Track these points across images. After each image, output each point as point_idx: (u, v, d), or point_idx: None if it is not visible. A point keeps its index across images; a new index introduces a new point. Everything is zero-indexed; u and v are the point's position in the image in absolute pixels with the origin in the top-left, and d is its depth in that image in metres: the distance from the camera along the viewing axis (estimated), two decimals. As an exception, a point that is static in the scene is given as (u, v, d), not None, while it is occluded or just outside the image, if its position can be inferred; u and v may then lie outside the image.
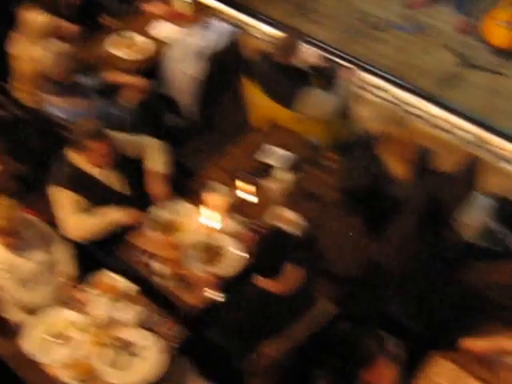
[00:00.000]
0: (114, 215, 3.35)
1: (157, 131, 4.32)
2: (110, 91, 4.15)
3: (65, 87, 3.88)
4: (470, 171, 3.62)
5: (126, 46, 4.46)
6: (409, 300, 3.14)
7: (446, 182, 3.39)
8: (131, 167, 3.55)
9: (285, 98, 3.72)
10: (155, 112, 4.43)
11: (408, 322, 3.04)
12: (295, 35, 3.95)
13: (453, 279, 3.17)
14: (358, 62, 5.03)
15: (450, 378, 2.76)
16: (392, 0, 5.78)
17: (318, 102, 3.76)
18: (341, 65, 4.43)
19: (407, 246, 3.15)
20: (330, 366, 2.59)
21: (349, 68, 4.22)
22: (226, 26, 4.63)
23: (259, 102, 3.91)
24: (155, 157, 3.58)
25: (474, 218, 3.56)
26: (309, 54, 4.15)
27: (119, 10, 4.73)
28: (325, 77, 4.01)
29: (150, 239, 3.35)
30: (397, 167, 3.30)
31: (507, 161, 4.58)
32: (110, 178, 3.44)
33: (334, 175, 3.55)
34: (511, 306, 3.07)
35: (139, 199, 3.50)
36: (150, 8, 4.73)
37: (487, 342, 2.78)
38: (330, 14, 5.68)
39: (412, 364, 2.73)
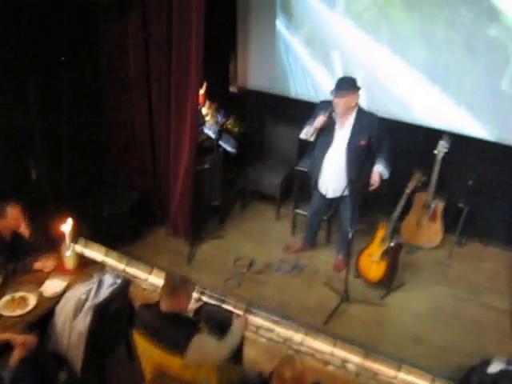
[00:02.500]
0: None
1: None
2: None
3: None
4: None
5: (13, 305, 4.45)
6: None
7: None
8: None
9: (173, 347, 3.73)
10: (44, 369, 4.32)
11: None
12: (183, 280, 4.00)
13: None
14: (243, 306, 5.25)
15: None
16: (271, 245, 6.23)
17: (207, 348, 3.77)
18: (231, 311, 4.60)
19: None
20: None
21: (239, 314, 4.36)
22: (114, 278, 4.74)
23: (148, 352, 3.92)
24: None
25: None
26: (196, 301, 4.30)
27: (8, 269, 4.78)
28: (214, 323, 4.13)
29: None
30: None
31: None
32: None
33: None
34: None
35: None
36: (39, 265, 4.81)
37: None
38: (212, 261, 6.02)
39: None
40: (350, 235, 5.19)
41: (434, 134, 5.85)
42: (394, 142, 6.12)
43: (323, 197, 5.61)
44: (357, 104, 5.10)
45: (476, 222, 6.11)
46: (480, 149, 5.90)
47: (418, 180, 5.37)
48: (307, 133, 5.29)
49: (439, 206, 6.00)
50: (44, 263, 4.79)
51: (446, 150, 5.67)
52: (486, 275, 5.88)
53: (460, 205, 5.93)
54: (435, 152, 5.71)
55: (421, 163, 5.72)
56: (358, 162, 5.18)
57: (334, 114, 5.12)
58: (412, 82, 6.00)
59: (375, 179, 5.24)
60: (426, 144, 5.87)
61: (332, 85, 5.12)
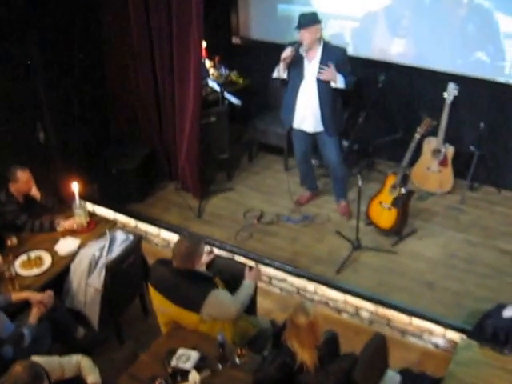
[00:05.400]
0: None
1: (66, 344, 4.31)
2: (15, 309, 4.12)
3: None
4: (377, 349, 3.73)
5: (30, 264, 4.50)
6: None
7: (355, 364, 3.46)
8: None
9: (188, 302, 3.78)
10: (63, 325, 4.39)
11: None
12: (195, 240, 4.06)
13: None
14: (256, 257, 5.29)
15: None
16: (280, 196, 6.20)
17: (222, 303, 3.81)
18: (243, 263, 4.63)
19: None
20: None
21: (251, 266, 4.37)
22: (126, 235, 4.77)
23: (164, 307, 3.95)
24: (92, 371, 3.59)
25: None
26: (208, 256, 4.31)
27: (34, 225, 4.85)
28: (227, 276, 4.16)
29: None
30: (305, 354, 3.37)
31: (408, 334, 4.77)
32: None
33: (244, 370, 3.58)
34: None
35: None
36: (68, 224, 4.87)
37: None
38: (222, 214, 6.02)
39: None
40: (360, 183, 5.16)
41: (442, 78, 5.72)
42: (403, 87, 6.09)
43: (304, 136, 5.60)
44: (321, 36, 5.19)
45: (488, 166, 6.03)
46: (491, 92, 5.79)
47: (427, 125, 5.28)
48: (278, 70, 5.33)
49: (450, 150, 5.92)
50: (62, 223, 4.84)
51: (455, 94, 5.57)
52: (500, 219, 5.80)
53: (471, 149, 5.87)
54: (444, 96, 5.61)
55: (430, 108, 5.64)
56: (329, 95, 5.29)
57: (301, 49, 5.18)
58: (418, 24, 5.90)
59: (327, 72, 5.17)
60: (435, 88, 5.76)
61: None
